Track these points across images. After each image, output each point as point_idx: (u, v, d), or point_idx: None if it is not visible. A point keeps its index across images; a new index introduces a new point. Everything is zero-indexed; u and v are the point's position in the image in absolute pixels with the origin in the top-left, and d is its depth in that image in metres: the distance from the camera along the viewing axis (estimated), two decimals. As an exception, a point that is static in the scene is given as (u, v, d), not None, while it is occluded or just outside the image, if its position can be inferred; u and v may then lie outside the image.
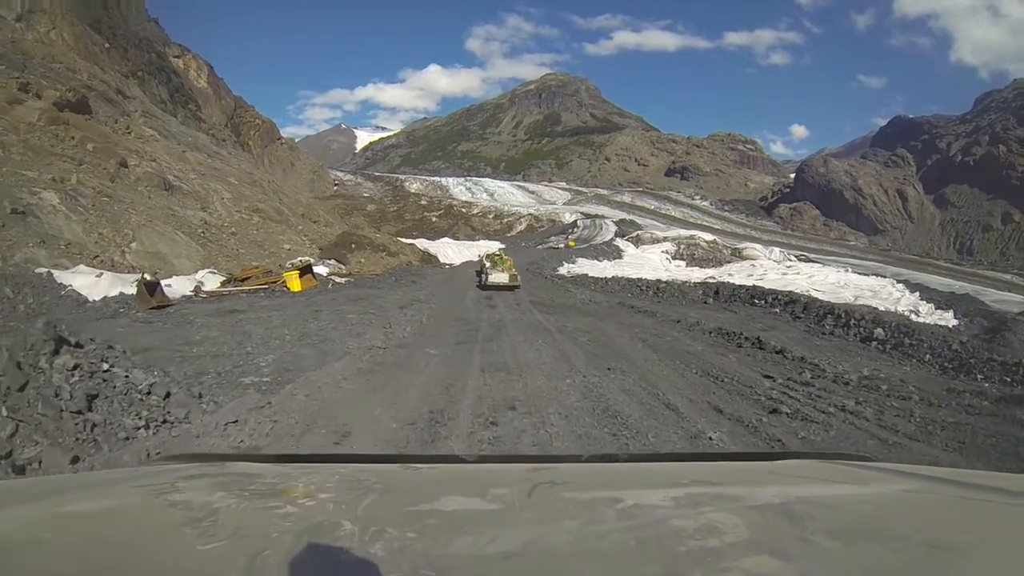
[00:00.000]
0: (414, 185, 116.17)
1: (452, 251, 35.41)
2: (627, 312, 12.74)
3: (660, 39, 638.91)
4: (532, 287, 18.33)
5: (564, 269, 28.10)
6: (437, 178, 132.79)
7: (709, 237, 50.11)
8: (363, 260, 21.39)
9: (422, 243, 35.43)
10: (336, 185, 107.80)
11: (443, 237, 45.17)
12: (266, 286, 13.61)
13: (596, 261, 34.36)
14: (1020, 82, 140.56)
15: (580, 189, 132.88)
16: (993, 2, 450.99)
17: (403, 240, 34.70)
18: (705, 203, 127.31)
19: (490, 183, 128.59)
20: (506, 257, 22.13)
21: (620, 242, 46.47)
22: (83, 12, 34.49)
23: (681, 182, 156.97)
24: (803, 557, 0.65)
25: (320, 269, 16.88)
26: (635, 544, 0.69)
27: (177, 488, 0.99)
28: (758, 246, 50.55)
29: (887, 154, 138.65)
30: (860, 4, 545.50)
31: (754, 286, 17.28)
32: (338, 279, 16.92)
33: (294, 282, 13.60)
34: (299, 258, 16.92)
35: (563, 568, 0.63)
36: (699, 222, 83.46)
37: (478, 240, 48.20)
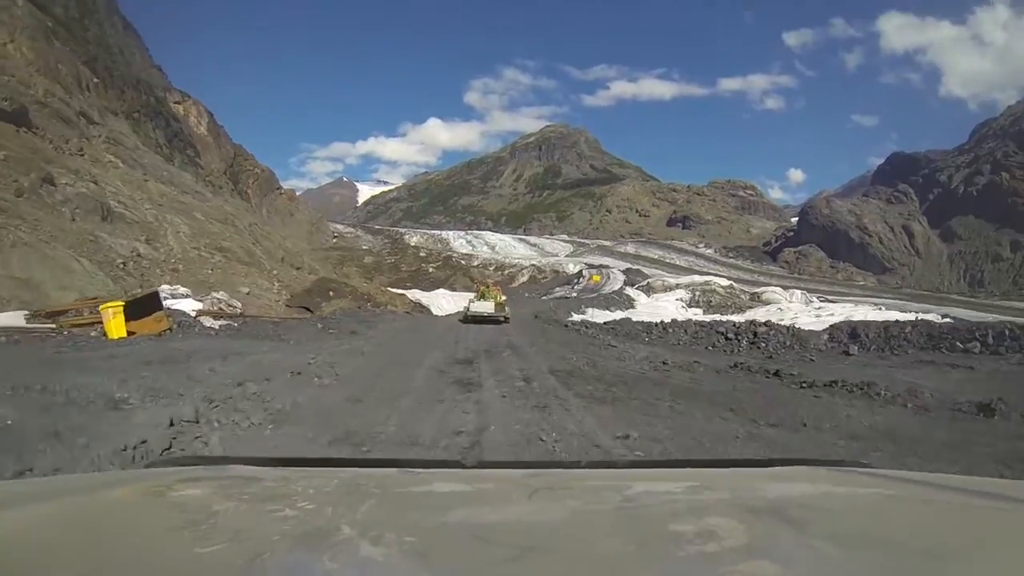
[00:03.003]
0: (414, 238, 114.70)
1: (447, 302, 32.06)
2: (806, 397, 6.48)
3: (656, 88, 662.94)
4: (548, 341, 12.50)
5: (577, 317, 24.70)
6: (438, 232, 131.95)
7: (725, 282, 47.14)
8: (337, 310, 18.01)
9: (415, 294, 32.19)
10: (335, 237, 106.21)
11: (439, 288, 41.87)
12: (84, 327, 9.55)
13: (607, 311, 31.23)
14: (1014, 108, 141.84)
15: (582, 241, 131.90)
16: (977, 32, 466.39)
17: (393, 290, 31.37)
18: (709, 251, 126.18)
19: (491, 236, 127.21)
20: (495, 290, 19.51)
21: (630, 291, 43.53)
22: (78, 49, 33.04)
23: (683, 231, 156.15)
24: (801, 563, 0.65)
25: (185, 304, 12.28)
26: (634, 549, 0.70)
27: (176, 490, 0.99)
28: (777, 289, 47.95)
29: (888, 191, 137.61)
30: (848, 43, 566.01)
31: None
32: (212, 322, 11.73)
33: (115, 325, 9.14)
34: (139, 290, 12.39)
35: (563, 573, 0.63)
36: (705, 270, 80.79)
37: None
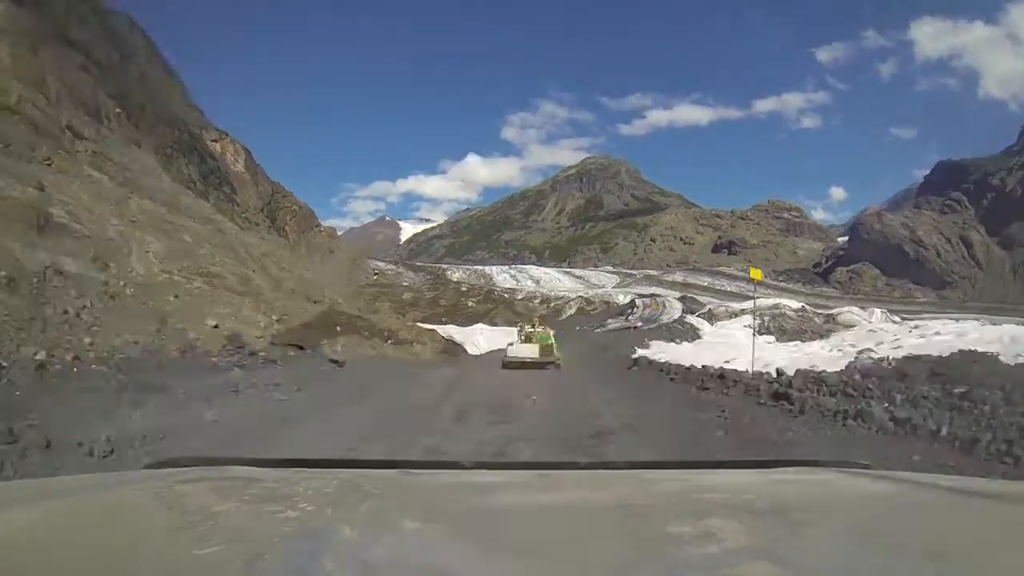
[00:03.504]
0: (456, 274, 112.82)
1: (484, 339, 27.45)
2: None
3: (692, 114, 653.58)
4: (625, 401, 8.41)
5: (644, 352, 19.79)
6: (481, 267, 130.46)
7: (796, 304, 41.30)
8: (340, 348, 13.84)
9: (449, 330, 27.76)
10: (376, 274, 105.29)
11: (478, 323, 37.20)
12: None
13: (672, 343, 26.12)
14: None
15: (628, 272, 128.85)
16: (1011, 31, 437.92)
17: (425, 326, 27.06)
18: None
19: (535, 270, 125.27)
20: (541, 327, 16.48)
21: (692, 319, 38.00)
22: (106, 84, 31.85)
23: (729, 257, 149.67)
24: (801, 564, 0.65)
25: None
26: (634, 551, 0.69)
27: (176, 491, 0.99)
28: (855, 309, 42.24)
29: (940, 200, 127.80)
30: (882, 53, 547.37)
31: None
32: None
33: None
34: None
35: (562, 574, 0.62)
36: (759, 295, 73.85)
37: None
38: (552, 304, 58.25)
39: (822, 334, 30.62)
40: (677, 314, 42.74)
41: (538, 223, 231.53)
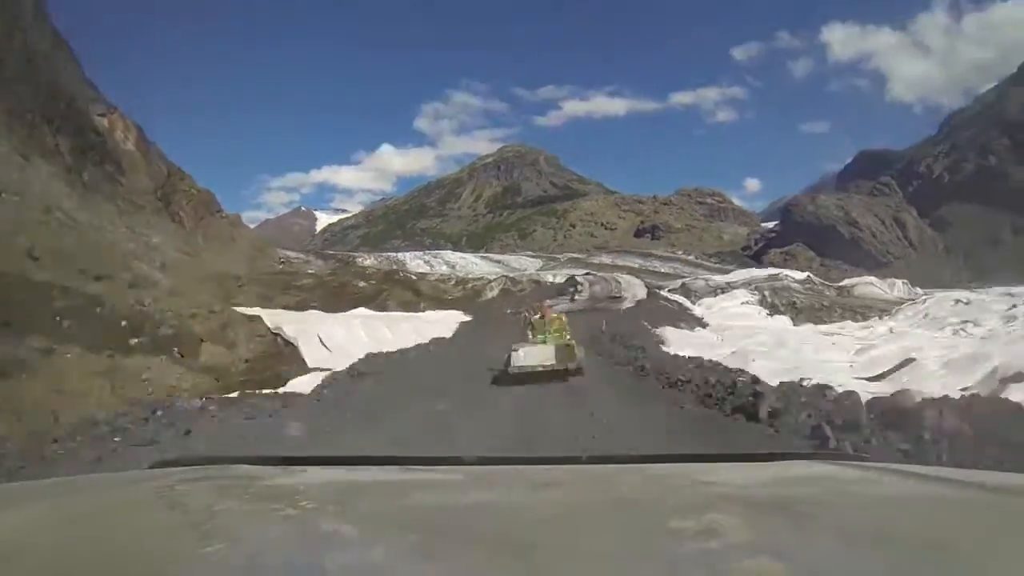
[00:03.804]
0: (367, 261, 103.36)
1: (345, 334, 15.01)
2: None
3: (608, 105, 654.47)
4: None
5: (680, 351, 11.12)
6: (394, 254, 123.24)
7: (800, 275, 33.36)
8: None
9: (287, 318, 15.23)
10: (282, 263, 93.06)
11: (360, 307, 24.33)
12: None
13: (683, 330, 16.38)
14: (983, 96, 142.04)
15: (552, 256, 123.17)
16: (919, 38, 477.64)
17: (245, 310, 14.86)
18: (690, 257, 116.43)
19: (451, 255, 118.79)
20: (553, 317, 12.02)
21: (675, 297, 28.62)
22: None
23: (653, 242, 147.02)
24: (804, 559, 0.64)
25: None
26: (635, 545, 0.69)
27: (177, 490, 0.98)
28: (872, 279, 36.01)
29: (869, 185, 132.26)
30: (795, 54, 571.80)
31: None
32: None
33: None
34: None
35: (563, 569, 0.62)
36: (694, 276, 68.67)
37: (423, 310, 27.45)
38: (470, 285, 47.66)
39: (859, 313, 23.73)
40: (643, 292, 32.53)
41: (455, 211, 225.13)
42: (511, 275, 64.40)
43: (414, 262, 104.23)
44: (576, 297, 34.81)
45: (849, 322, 21.76)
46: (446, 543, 0.70)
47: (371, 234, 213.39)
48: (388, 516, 0.84)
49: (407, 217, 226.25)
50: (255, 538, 0.73)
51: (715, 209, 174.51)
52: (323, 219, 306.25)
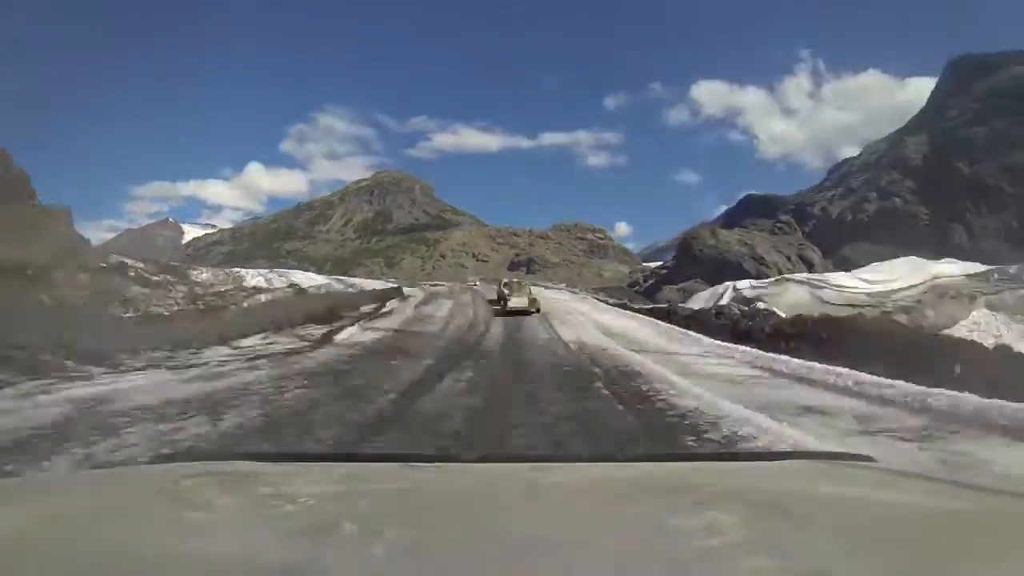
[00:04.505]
0: (204, 275, 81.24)
1: None
2: None
3: (479, 139, 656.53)
4: None
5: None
6: (236, 270, 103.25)
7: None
8: None
9: None
10: (104, 265, 68.31)
11: None
12: None
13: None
14: (870, 145, 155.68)
15: (415, 283, 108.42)
16: (782, 100, 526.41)
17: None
18: (575, 289, 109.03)
19: (298, 274, 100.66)
20: (527, 284, 23.56)
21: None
22: None
23: (528, 275, 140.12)
24: (804, 559, 0.64)
25: None
26: (636, 544, 0.70)
27: (178, 487, 0.98)
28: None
29: (770, 223, 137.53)
30: (667, 104, 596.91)
31: None
32: None
33: None
34: None
35: (564, 568, 0.62)
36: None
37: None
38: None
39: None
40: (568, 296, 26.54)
41: (323, 234, 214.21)
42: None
43: (256, 279, 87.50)
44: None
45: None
46: (446, 541, 0.70)
47: (236, 252, 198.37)
48: (388, 513, 0.84)
49: (274, 237, 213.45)
50: (255, 534, 0.73)
51: (595, 246, 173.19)
52: (192, 233, 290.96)
